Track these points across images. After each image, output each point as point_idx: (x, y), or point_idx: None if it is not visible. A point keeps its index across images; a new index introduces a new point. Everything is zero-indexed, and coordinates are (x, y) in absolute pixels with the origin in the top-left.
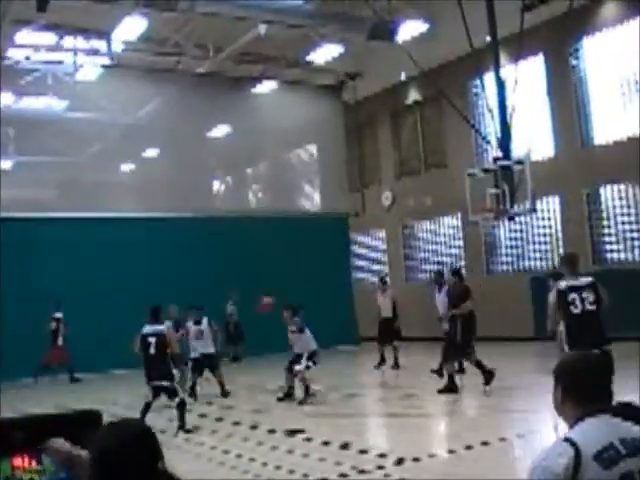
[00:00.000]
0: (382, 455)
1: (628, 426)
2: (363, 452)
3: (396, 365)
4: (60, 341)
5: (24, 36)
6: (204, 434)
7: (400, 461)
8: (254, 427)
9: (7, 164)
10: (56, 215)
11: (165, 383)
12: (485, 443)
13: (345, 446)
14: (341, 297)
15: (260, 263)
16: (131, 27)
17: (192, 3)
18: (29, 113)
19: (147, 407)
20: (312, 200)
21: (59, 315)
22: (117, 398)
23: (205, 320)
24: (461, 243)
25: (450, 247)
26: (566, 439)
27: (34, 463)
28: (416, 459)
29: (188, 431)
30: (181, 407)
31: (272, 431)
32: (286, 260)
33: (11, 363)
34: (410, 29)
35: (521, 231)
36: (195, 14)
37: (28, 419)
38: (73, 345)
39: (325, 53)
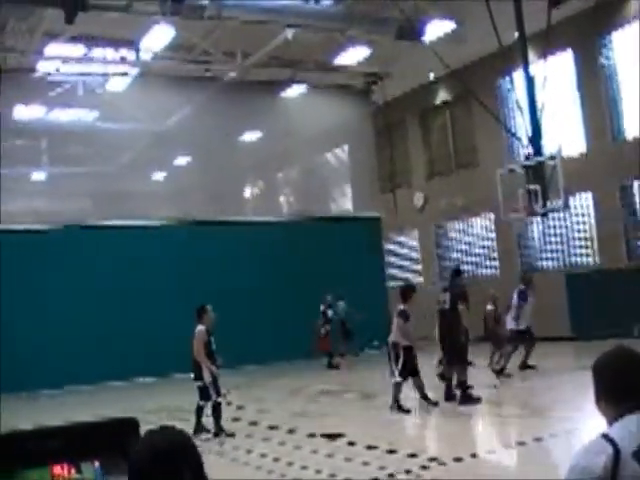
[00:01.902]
0: (429, 458)
1: None
2: (412, 456)
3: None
4: (323, 331)
5: (54, 48)
6: (239, 438)
7: (432, 460)
8: (291, 431)
9: (40, 175)
10: (89, 224)
11: (198, 384)
12: (521, 443)
13: (391, 450)
14: (375, 299)
15: (292, 267)
16: (159, 36)
17: (219, 10)
18: (60, 124)
19: (198, 409)
20: (344, 203)
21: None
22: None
23: None
24: (493, 243)
25: (482, 247)
26: (604, 437)
27: (74, 472)
28: (458, 459)
29: (222, 434)
30: (216, 409)
31: (312, 435)
32: (318, 264)
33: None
34: (437, 28)
35: (554, 227)
36: (222, 21)
37: (66, 428)
38: (123, 348)
39: (353, 55)
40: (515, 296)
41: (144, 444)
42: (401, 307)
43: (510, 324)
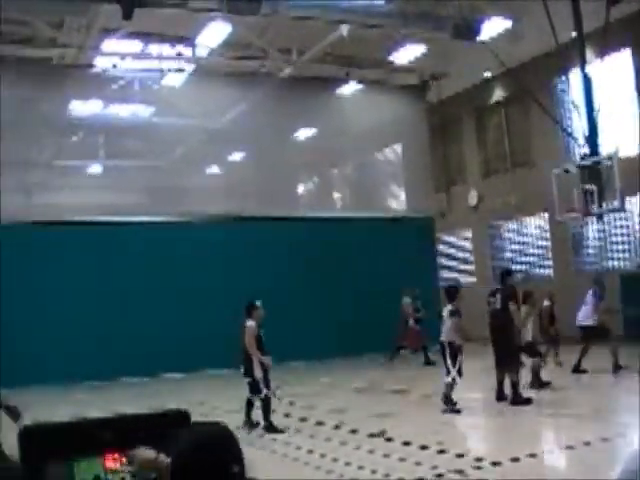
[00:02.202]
0: (479, 459)
1: None
2: (460, 456)
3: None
4: (412, 323)
5: (111, 44)
6: (289, 433)
7: (497, 463)
8: (337, 427)
9: (97, 169)
10: (143, 219)
11: (246, 379)
12: (570, 447)
13: (442, 450)
14: (427, 299)
15: (345, 264)
16: (215, 32)
17: (274, 6)
18: (117, 119)
19: (248, 403)
20: (397, 201)
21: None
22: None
23: None
24: (548, 242)
25: (536, 247)
26: None
27: (125, 462)
28: (515, 459)
29: (271, 430)
30: (266, 403)
31: (354, 431)
32: (370, 262)
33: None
34: (493, 27)
35: (610, 229)
36: (277, 17)
37: (118, 419)
38: (169, 343)
39: (408, 53)
40: (590, 295)
41: (188, 437)
42: (450, 307)
43: (586, 321)
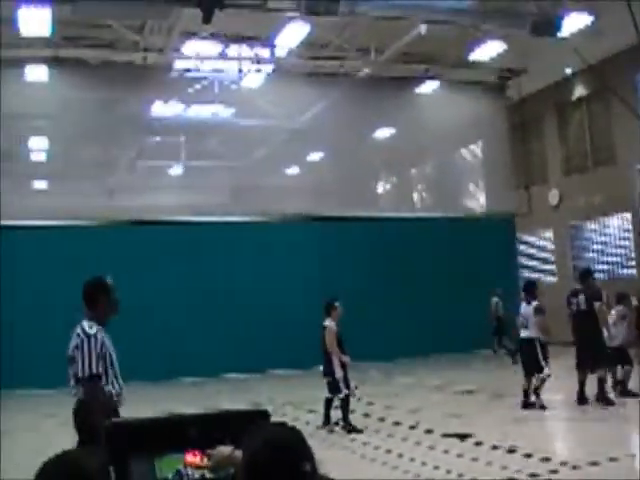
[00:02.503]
0: (550, 460)
1: None
2: (529, 456)
3: None
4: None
5: (191, 46)
6: (367, 433)
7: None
8: (413, 427)
9: (178, 170)
10: (225, 219)
11: (326, 379)
12: None
13: (512, 450)
14: (508, 299)
15: (424, 265)
16: (293, 33)
17: (352, 6)
18: (198, 120)
19: (327, 403)
20: (477, 200)
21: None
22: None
23: None
24: (631, 243)
25: (619, 247)
26: None
27: (206, 460)
28: (594, 463)
29: (350, 430)
30: (346, 403)
31: (429, 431)
32: (451, 261)
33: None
34: (574, 22)
35: None
36: (355, 17)
37: (202, 416)
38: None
39: (488, 50)
40: None
41: (261, 438)
42: (535, 303)
43: None
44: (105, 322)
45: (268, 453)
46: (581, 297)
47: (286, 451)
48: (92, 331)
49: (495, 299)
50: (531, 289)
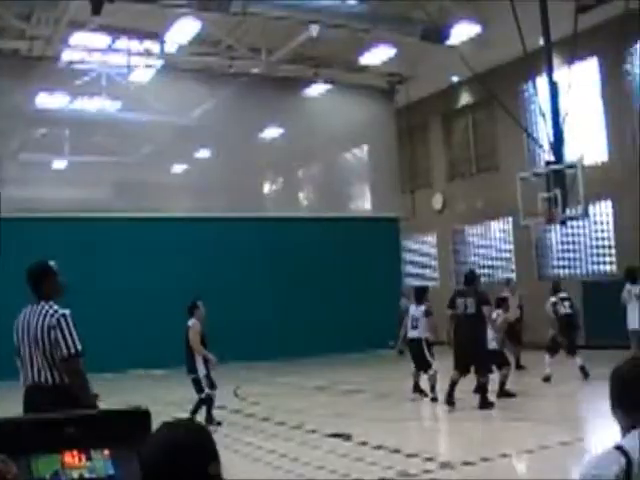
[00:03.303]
0: (429, 459)
1: None
2: (416, 457)
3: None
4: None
5: (79, 38)
6: (251, 434)
7: (454, 466)
8: (297, 427)
9: (62, 164)
10: (109, 215)
11: (192, 376)
12: (529, 451)
13: (397, 450)
14: (390, 300)
15: (309, 265)
16: (184, 29)
17: (244, 5)
18: (83, 114)
19: (203, 402)
20: (363, 202)
21: None
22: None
23: None
24: (512, 247)
25: (500, 251)
26: (617, 447)
27: (84, 459)
28: (467, 463)
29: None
30: (204, 402)
31: (313, 431)
32: (336, 262)
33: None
34: (463, 31)
35: (573, 236)
36: (248, 16)
37: (79, 415)
38: (125, 341)
39: (378, 55)
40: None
41: (162, 437)
42: (424, 306)
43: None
44: None
45: (169, 456)
46: (469, 300)
47: (189, 453)
48: (66, 310)
49: (404, 300)
50: (422, 293)
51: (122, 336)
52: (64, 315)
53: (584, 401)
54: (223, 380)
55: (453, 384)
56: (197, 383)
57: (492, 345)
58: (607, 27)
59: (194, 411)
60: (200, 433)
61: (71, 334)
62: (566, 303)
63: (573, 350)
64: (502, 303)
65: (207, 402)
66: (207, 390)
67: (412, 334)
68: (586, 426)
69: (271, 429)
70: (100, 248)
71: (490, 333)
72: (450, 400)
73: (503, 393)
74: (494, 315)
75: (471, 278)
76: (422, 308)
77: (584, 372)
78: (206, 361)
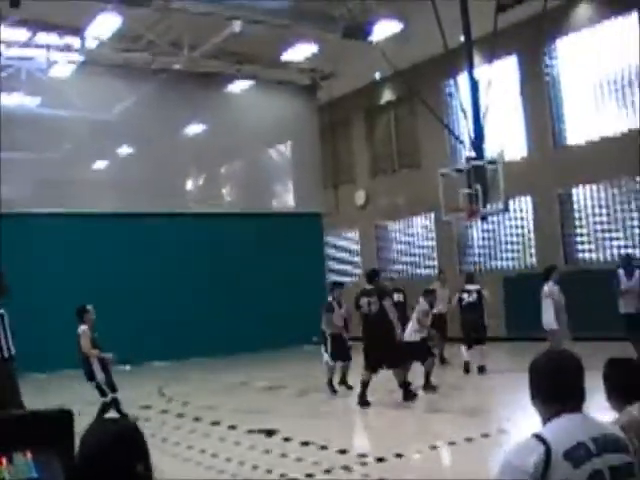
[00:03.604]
0: (363, 455)
1: (601, 425)
2: (343, 452)
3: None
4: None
5: None
6: (181, 434)
7: (381, 459)
8: (232, 427)
9: None
10: (28, 211)
11: (91, 383)
12: (452, 443)
13: (324, 446)
14: (314, 295)
15: (233, 262)
16: (105, 24)
17: (166, 0)
18: (2, 109)
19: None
20: (286, 198)
21: None
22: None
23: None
24: (433, 243)
25: (422, 247)
26: (537, 436)
27: (5, 462)
28: (399, 455)
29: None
30: (109, 405)
31: (233, 427)
32: (260, 258)
33: None
34: (384, 29)
35: (494, 231)
36: (169, 11)
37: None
38: (44, 342)
39: (300, 51)
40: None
41: (93, 434)
42: (329, 299)
43: None
44: None
45: (99, 451)
46: (373, 298)
47: (117, 452)
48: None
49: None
50: (337, 289)
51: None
52: (2, 315)
53: (506, 393)
54: (145, 380)
55: (365, 385)
56: (99, 389)
57: (414, 337)
58: (526, 26)
59: (100, 414)
60: (132, 431)
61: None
62: (473, 295)
63: (468, 341)
64: (429, 294)
65: (112, 405)
66: (110, 394)
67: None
68: (506, 417)
69: (203, 429)
70: (20, 246)
71: (413, 325)
72: (364, 401)
73: (429, 386)
74: (417, 308)
75: (372, 276)
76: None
77: (466, 368)
78: (105, 364)
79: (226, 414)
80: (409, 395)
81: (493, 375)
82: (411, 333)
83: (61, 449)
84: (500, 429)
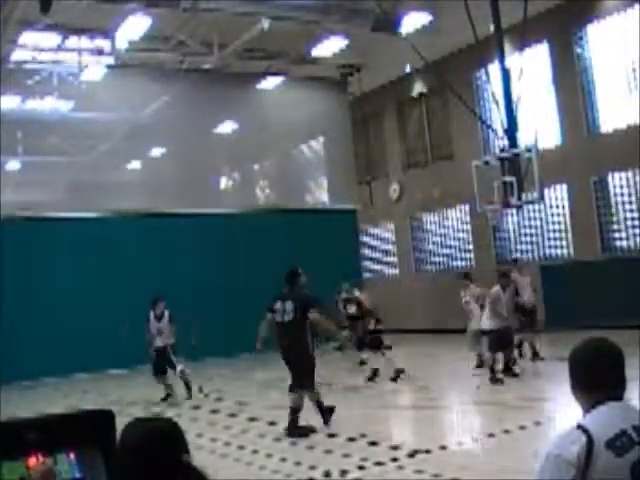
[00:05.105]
0: (395, 447)
1: None
2: (374, 444)
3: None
4: None
5: (28, 37)
6: (218, 430)
7: (413, 454)
8: (272, 423)
9: (15, 165)
10: (64, 215)
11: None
12: (506, 431)
13: (353, 439)
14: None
15: (269, 259)
16: (135, 26)
17: (195, 0)
18: (35, 114)
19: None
20: (320, 194)
21: None
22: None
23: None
24: (469, 235)
25: (458, 239)
26: (579, 426)
27: (48, 462)
28: (428, 451)
29: None
30: None
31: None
32: (295, 255)
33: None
34: (414, 21)
35: (530, 220)
36: (198, 11)
37: (42, 419)
38: (74, 343)
39: (329, 47)
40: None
41: (135, 431)
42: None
43: None
44: None
45: (145, 445)
46: (288, 303)
47: (164, 442)
48: None
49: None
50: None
51: (75, 337)
52: None
53: (546, 383)
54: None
55: (294, 411)
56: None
57: (489, 325)
58: (556, 12)
59: None
60: (173, 426)
61: None
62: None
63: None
64: (501, 278)
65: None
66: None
67: None
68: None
69: (241, 425)
70: (55, 249)
71: (487, 312)
72: (296, 432)
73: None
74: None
75: (290, 278)
76: None
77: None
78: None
79: (264, 411)
80: (326, 417)
81: (532, 365)
82: (486, 321)
83: (103, 449)
84: (539, 421)
